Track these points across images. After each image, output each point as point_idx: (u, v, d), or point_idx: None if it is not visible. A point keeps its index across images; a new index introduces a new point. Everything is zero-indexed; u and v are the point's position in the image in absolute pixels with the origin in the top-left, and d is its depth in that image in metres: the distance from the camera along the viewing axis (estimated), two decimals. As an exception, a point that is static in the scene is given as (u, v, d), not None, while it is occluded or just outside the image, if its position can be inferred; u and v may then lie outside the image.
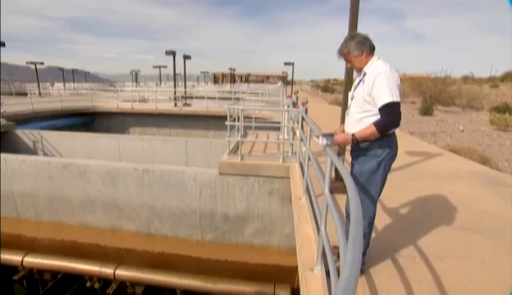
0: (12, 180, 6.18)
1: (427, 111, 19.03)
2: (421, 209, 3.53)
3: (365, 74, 2.20)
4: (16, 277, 6.16)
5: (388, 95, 2.03)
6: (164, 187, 5.40)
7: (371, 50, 2.17)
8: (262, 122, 5.95)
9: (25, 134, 9.72)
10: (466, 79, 33.10)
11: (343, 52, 2.27)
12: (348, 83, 3.89)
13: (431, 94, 22.50)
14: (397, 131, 2.24)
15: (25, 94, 18.48)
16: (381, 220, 3.18)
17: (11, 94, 16.61)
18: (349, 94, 2.46)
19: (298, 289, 5.52)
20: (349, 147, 2.49)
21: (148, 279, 5.58)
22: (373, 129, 2.14)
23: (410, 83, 25.94)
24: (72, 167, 5.82)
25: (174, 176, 5.31)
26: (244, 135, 5.33)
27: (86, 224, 6.09)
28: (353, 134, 2.25)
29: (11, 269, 6.23)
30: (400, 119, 2.08)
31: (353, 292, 0.78)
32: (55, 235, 6.32)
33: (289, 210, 5.20)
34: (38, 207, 6.31)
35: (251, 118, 7.48)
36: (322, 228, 2.31)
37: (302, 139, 5.47)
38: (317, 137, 2.31)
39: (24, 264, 6.08)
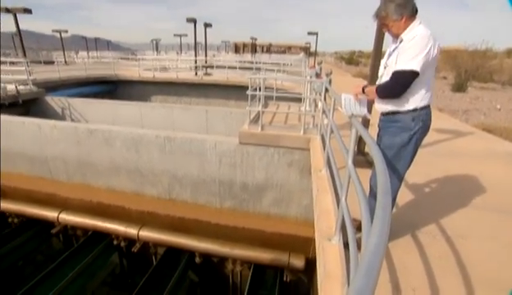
0: (45, 144, 6.51)
1: (460, 87, 17.85)
2: (447, 187, 3.40)
3: (402, 40, 2.01)
4: (53, 231, 6.72)
5: (408, 62, 1.87)
6: (185, 154, 5.51)
7: (412, 14, 1.94)
8: (283, 93, 5.81)
9: (54, 101, 10.09)
10: (510, 53, 30.36)
11: (380, 15, 2.07)
12: (378, 51, 3.65)
13: (466, 69, 20.91)
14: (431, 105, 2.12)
15: (51, 63, 18.98)
16: (404, 196, 3.10)
17: (40, 62, 17.12)
18: (382, 63, 2.30)
19: (312, 259, 5.67)
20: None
21: (169, 241, 5.90)
22: (374, 89, 2.07)
23: (444, 56, 24.18)
24: (98, 133, 6.03)
25: (195, 144, 5.39)
26: (265, 105, 5.25)
27: (112, 187, 6.41)
28: (364, 86, 2.18)
29: (48, 224, 6.78)
30: (402, 91, 1.96)
31: (381, 259, 0.76)
32: (84, 196, 6.72)
33: (307, 181, 5.19)
34: (69, 170, 6.67)
35: (272, 89, 7.34)
36: (343, 199, 2.28)
37: (324, 111, 5.34)
38: (343, 99, 2.23)
39: (59, 220, 6.59)
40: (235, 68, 17.56)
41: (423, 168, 3.78)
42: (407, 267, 2.18)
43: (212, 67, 19.00)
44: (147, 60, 18.96)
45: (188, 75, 15.32)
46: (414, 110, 2.06)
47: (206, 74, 16.01)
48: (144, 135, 5.66)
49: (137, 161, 5.89)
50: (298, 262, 5.40)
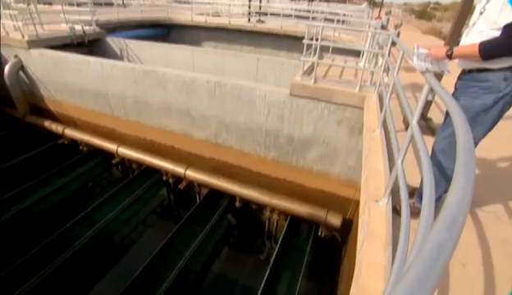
0: (107, 82, 6.96)
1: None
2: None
3: None
4: (113, 161, 7.54)
5: None
6: (234, 101, 5.53)
7: None
8: (340, 45, 5.34)
9: (114, 42, 10.54)
10: None
11: None
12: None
13: None
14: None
15: (111, 4, 19.55)
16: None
17: (101, 4, 17.76)
18: (477, 8, 1.91)
19: (349, 220, 5.66)
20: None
21: (213, 183, 6.27)
22: (475, 49, 1.69)
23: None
24: (152, 74, 6.24)
25: (244, 92, 5.35)
26: (320, 57, 4.90)
27: (163, 127, 6.79)
28: (448, 48, 1.83)
29: (110, 155, 7.58)
30: None
31: (464, 215, 0.67)
32: (139, 134, 7.27)
33: (355, 141, 4.97)
34: (126, 108, 7.15)
35: (329, 40, 6.78)
36: (399, 162, 2.13)
37: (387, 68, 4.84)
38: (416, 49, 1.95)
39: (118, 153, 7.31)
40: (289, 16, 16.46)
41: (500, 140, 3.34)
42: (461, 242, 2.04)
43: (265, 14, 18.03)
44: (200, 3, 18.55)
45: (240, 21, 14.79)
46: (509, 68, 1.72)
47: (259, 21, 15.28)
48: (195, 79, 5.74)
49: (187, 104, 6.08)
50: (334, 220, 5.44)
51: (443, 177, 2.04)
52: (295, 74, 5.31)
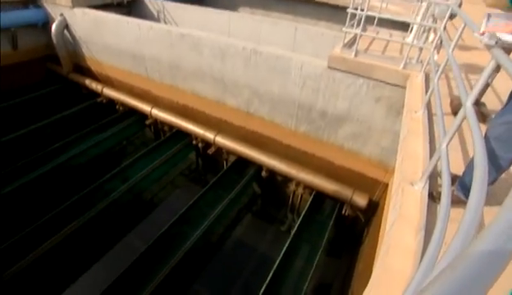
0: (144, 44, 7.02)
1: None
2: None
3: None
4: (147, 122, 7.83)
5: None
6: (269, 70, 5.39)
7: None
8: (387, 16, 4.91)
9: (151, 3, 10.49)
10: None
11: None
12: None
13: None
14: None
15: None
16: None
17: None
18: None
19: (375, 202, 5.54)
20: None
21: (241, 151, 6.33)
22: None
23: None
24: (188, 38, 6.19)
25: (280, 61, 5.18)
26: (364, 30, 4.56)
27: (196, 92, 6.85)
28: None
29: (144, 116, 7.86)
30: None
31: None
32: (172, 97, 7.40)
33: (392, 121, 4.72)
34: (161, 71, 7.24)
35: (375, 11, 6.27)
36: (444, 145, 1.99)
37: (440, 43, 4.43)
38: (486, 18, 1.73)
39: (152, 114, 7.55)
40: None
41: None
42: None
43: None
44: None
45: (279, -13, 14.03)
46: None
47: (299, -13, 14.42)
48: (231, 45, 5.63)
49: (222, 70, 6.03)
50: (360, 200, 5.35)
51: (494, 166, 1.88)
52: (335, 46, 5.03)
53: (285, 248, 4.88)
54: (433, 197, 2.21)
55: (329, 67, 4.78)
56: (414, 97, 3.67)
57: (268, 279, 4.39)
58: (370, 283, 2.00)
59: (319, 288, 5.62)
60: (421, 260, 1.36)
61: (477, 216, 1.05)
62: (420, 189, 2.27)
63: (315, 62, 4.95)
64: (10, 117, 7.95)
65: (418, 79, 4.12)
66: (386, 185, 5.15)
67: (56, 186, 6.51)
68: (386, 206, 4.61)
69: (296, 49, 7.16)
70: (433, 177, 2.43)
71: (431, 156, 2.56)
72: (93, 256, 5.78)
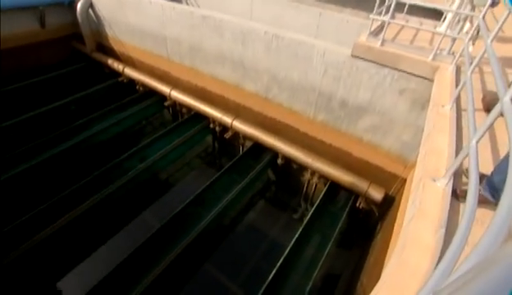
0: (165, 24, 7.01)
1: None
2: None
3: None
4: (165, 104, 7.92)
5: None
6: (290, 56, 5.28)
7: None
8: (419, 3, 4.65)
9: (175, -17, 10.41)
10: None
11: None
12: None
13: None
14: None
15: None
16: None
17: None
18: None
19: (391, 196, 5.43)
20: None
21: (258, 137, 6.32)
22: None
23: None
24: (210, 20, 6.12)
25: (302, 48, 5.06)
26: (392, 17, 4.35)
27: (215, 75, 6.83)
28: None
29: (163, 97, 7.95)
30: None
31: None
32: (191, 79, 7.42)
33: (416, 115, 4.56)
34: (182, 52, 7.25)
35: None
36: (474, 142, 1.90)
37: (476, 34, 4.19)
38: None
39: (171, 96, 7.63)
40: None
41: None
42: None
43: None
44: None
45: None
46: None
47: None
48: (253, 29, 5.53)
49: (242, 54, 5.97)
50: (376, 194, 5.26)
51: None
52: (360, 34, 4.84)
53: (296, 236, 4.91)
54: (456, 195, 2.13)
55: (352, 56, 4.63)
56: (442, 91, 3.50)
57: (279, 263, 4.44)
58: (383, 276, 1.99)
59: (328, 277, 5.65)
60: (440, 258, 1.33)
61: (510, 218, 1.00)
62: (443, 186, 2.19)
63: (338, 50, 4.80)
64: (36, 94, 8.25)
65: (447, 72, 3.92)
66: (404, 180, 5.03)
67: (77, 162, 6.76)
68: (402, 202, 4.53)
69: (319, 36, 6.97)
70: (458, 175, 2.34)
71: (457, 152, 2.46)
72: (109, 232, 6.04)
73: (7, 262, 4.45)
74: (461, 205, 2.14)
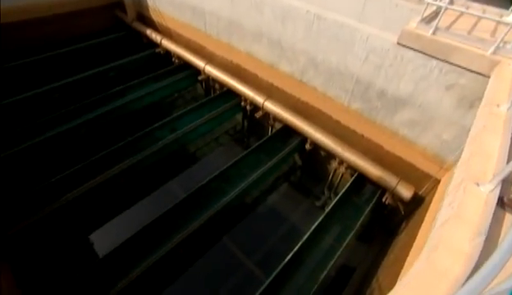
0: (204, -2, 6.95)
1: None
2: None
3: None
4: (199, 78, 7.97)
5: None
6: (330, 39, 5.05)
7: None
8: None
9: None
10: None
11: None
12: None
13: None
14: None
15: None
16: None
17: None
18: None
19: (420, 196, 5.19)
20: None
21: (288, 120, 6.23)
22: None
23: None
24: (250, -5, 5.95)
25: (344, 31, 4.80)
26: (450, 2, 3.96)
27: (251, 53, 6.72)
28: None
29: (197, 71, 7.99)
30: None
31: None
32: (227, 55, 7.37)
33: (462, 114, 4.23)
34: (219, 27, 7.17)
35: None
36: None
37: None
38: None
39: (205, 70, 7.65)
40: None
41: None
42: None
43: None
44: None
45: None
46: None
47: None
48: (295, 7, 5.30)
49: (280, 33, 5.79)
50: (405, 192, 5.06)
51: None
52: (409, 21, 4.48)
53: (317, 223, 4.88)
54: (503, 203, 1.98)
55: (398, 43, 4.32)
56: (500, 89, 3.20)
57: (297, 247, 4.47)
58: (408, 275, 1.92)
59: (343, 268, 5.64)
60: (477, 267, 1.24)
61: None
62: (487, 192, 2.04)
63: (383, 36, 4.50)
64: (79, 60, 8.62)
65: (509, 68, 3.55)
66: (438, 181, 4.77)
67: (112, 127, 7.06)
68: (433, 203, 4.32)
69: (364, 19, 6.55)
70: (507, 182, 2.16)
71: (510, 158, 2.27)
72: (137, 195, 6.37)
73: (44, 215, 4.81)
74: (507, 214, 1.99)
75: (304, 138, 6.22)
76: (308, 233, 4.74)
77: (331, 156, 6.02)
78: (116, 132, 7.23)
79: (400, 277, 3.39)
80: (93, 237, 5.71)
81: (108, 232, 5.84)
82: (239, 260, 5.54)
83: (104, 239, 5.71)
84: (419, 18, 4.25)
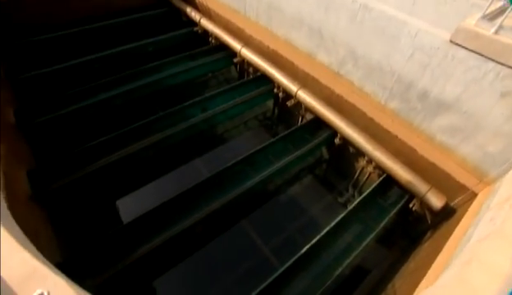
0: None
1: None
2: None
3: None
4: (234, 60, 7.95)
5: None
6: (375, 32, 4.79)
7: None
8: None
9: None
10: None
11: None
12: None
13: None
14: None
15: None
16: None
17: None
18: None
19: (452, 208, 4.90)
20: None
21: (320, 112, 6.08)
22: None
23: None
24: (295, -21, 5.75)
25: (391, 24, 4.52)
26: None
27: (289, 40, 6.57)
28: None
29: (233, 53, 7.95)
30: None
31: None
32: (264, 40, 7.25)
33: (514, 125, 3.88)
34: (259, 10, 7.04)
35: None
36: None
37: None
38: None
39: (241, 53, 7.60)
40: None
41: None
42: None
43: None
44: None
45: None
46: None
47: None
48: (341, -5, 5.07)
49: (322, 22, 5.58)
50: (435, 201, 4.80)
51: None
52: (466, 17, 4.12)
53: (338, 219, 4.80)
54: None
55: (451, 41, 4.00)
56: None
57: (314, 240, 4.44)
58: (435, 287, 1.83)
59: (358, 268, 5.54)
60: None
61: None
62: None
63: (434, 32, 4.19)
64: (119, 33, 8.85)
65: None
66: (475, 195, 4.46)
67: (146, 101, 7.26)
68: (466, 216, 4.08)
69: (414, 13, 6.12)
70: None
71: None
72: (164, 168, 6.57)
73: (80, 176, 5.10)
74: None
75: (333, 131, 6.05)
76: (327, 228, 4.67)
77: (360, 153, 5.82)
78: (149, 106, 7.44)
79: (419, 287, 3.27)
80: (121, 202, 6.02)
81: (134, 200, 6.13)
82: (255, 244, 5.61)
83: (129, 207, 6.01)
84: (480, 14, 3.88)
